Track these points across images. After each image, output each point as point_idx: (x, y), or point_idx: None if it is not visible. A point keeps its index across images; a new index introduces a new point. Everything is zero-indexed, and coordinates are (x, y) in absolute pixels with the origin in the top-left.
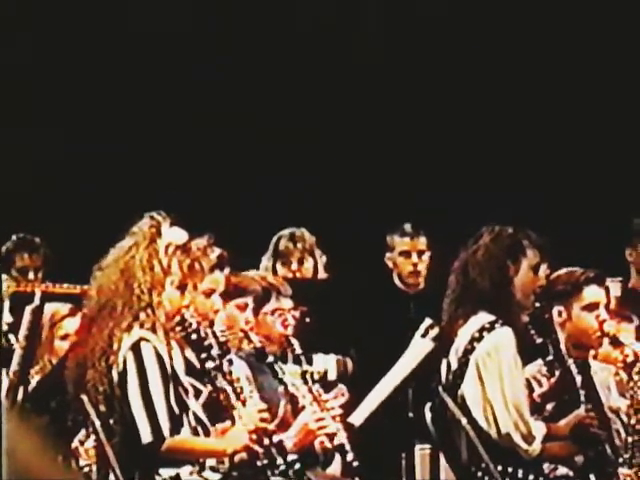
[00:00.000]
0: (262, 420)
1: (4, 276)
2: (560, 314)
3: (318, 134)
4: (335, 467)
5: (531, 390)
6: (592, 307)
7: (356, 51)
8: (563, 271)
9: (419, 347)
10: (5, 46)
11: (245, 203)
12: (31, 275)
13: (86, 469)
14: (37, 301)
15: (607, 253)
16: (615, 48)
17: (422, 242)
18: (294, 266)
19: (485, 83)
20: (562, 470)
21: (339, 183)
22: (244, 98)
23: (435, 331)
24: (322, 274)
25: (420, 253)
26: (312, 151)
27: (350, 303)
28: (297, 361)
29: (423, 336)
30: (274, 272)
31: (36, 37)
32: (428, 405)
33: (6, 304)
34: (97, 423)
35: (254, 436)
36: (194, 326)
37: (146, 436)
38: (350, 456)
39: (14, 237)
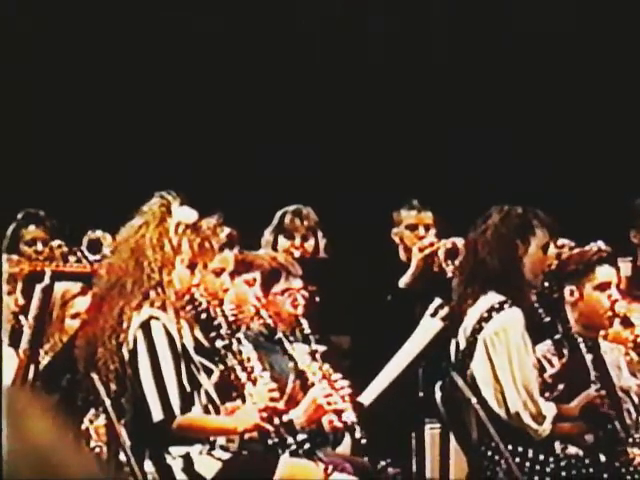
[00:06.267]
0: (272, 399)
1: (15, 257)
2: (572, 293)
3: (326, 115)
4: (345, 447)
5: (542, 370)
6: (604, 287)
7: (361, 34)
8: (575, 250)
9: (429, 326)
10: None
11: (253, 182)
12: (40, 247)
13: (97, 450)
14: (47, 280)
15: (613, 235)
16: (617, 42)
17: (429, 217)
18: (297, 241)
19: (491, 64)
20: (572, 450)
21: (346, 163)
22: (252, 80)
23: (445, 311)
24: (322, 254)
25: (427, 227)
26: (319, 131)
27: (354, 281)
28: (306, 341)
29: (433, 315)
30: (275, 246)
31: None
32: (438, 384)
33: (19, 285)
34: (107, 402)
35: (264, 415)
36: (204, 305)
37: (157, 414)
38: (359, 435)
39: (19, 215)
